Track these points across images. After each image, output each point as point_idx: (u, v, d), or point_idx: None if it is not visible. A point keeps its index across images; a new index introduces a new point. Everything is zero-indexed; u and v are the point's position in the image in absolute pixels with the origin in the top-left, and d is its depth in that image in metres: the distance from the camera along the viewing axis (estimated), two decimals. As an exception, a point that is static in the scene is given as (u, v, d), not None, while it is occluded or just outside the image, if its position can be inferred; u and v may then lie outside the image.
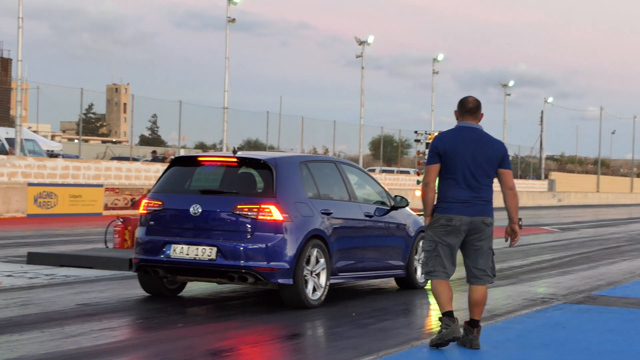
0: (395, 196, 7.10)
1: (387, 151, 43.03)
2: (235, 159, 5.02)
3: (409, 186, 34.37)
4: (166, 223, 4.84)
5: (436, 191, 5.01)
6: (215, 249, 4.52)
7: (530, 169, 57.24)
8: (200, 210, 4.60)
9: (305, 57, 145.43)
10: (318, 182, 5.99)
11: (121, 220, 8.92)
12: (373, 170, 39.18)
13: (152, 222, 4.92)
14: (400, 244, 7.04)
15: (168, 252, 4.78)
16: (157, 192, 5.01)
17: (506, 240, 5.12)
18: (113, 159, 31.11)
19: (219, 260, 4.61)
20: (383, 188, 7.18)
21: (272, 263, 4.98)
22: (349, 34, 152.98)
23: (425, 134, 17.50)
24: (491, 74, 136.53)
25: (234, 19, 29.21)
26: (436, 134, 17.62)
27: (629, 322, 6.34)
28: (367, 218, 6.57)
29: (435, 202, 4.95)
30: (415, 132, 17.68)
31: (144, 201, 5.14)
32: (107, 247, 9.13)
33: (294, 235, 5.11)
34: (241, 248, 4.26)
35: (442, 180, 4.97)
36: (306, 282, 5.35)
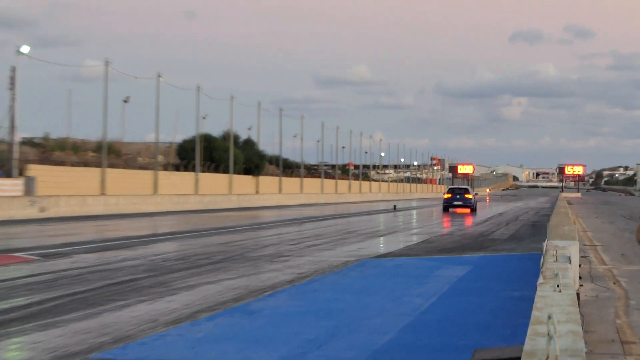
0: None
1: None
2: (463, 188, 72.30)
3: None
4: (451, 199, 66.52)
5: None
6: (462, 202, 65.86)
7: (-4, 160, 57.70)
8: (458, 197, 66.69)
9: None
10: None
11: None
12: None
13: (449, 198, 67.24)
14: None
15: (454, 203, 66.20)
16: (447, 193, 69.38)
17: None
18: None
19: (465, 204, 65.66)
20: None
21: (470, 205, 66.61)
22: None
23: None
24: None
25: None
26: None
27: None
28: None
29: None
30: None
31: (446, 195, 68.81)
32: None
33: (474, 201, 68.19)
34: (467, 203, 65.42)
35: None
36: (475, 209, 67.03)
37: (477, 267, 19.65)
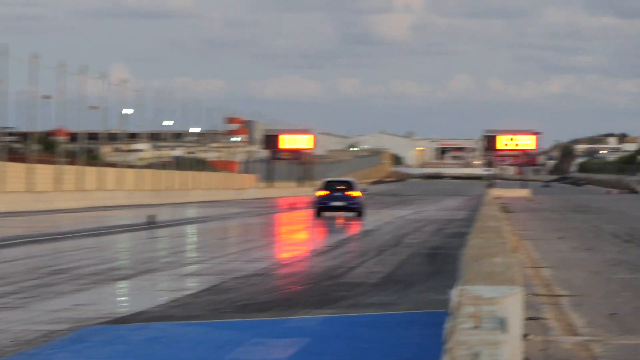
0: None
1: None
2: (346, 181, 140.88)
3: None
4: (328, 198, 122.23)
5: None
6: (345, 203, 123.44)
7: None
8: (338, 194, 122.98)
9: None
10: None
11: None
12: None
13: (325, 196, 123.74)
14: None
15: (331, 204, 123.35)
16: (323, 189, 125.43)
17: None
18: None
19: (348, 205, 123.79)
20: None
21: (355, 207, 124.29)
22: None
23: None
24: None
25: None
26: None
27: None
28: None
29: None
30: None
31: (319, 191, 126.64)
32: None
33: (362, 200, 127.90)
34: (351, 203, 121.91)
35: None
36: (363, 212, 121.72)
37: (316, 342, 19.95)
